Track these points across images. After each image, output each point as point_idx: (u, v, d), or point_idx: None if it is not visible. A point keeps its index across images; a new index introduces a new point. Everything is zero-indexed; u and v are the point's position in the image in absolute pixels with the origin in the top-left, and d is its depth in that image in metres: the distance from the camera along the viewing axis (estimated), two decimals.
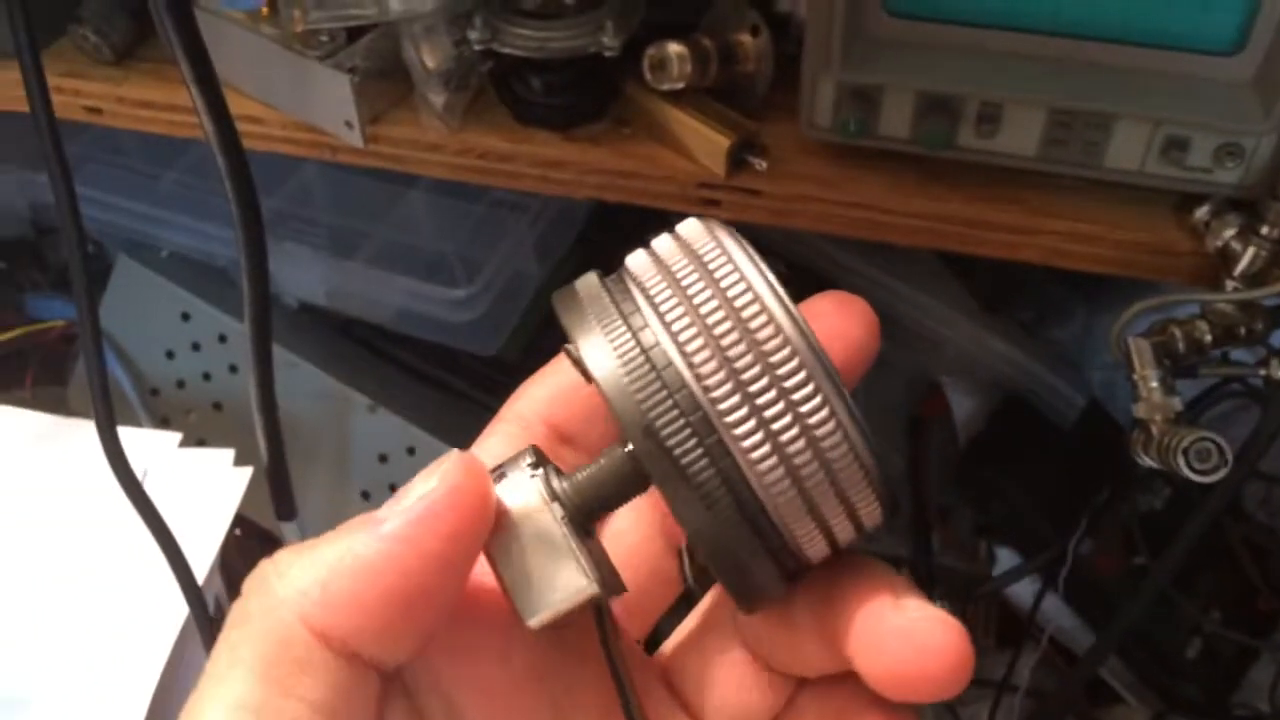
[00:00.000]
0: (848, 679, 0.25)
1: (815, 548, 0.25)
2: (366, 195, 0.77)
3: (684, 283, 0.24)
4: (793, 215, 0.55)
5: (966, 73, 0.51)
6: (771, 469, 0.23)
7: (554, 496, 0.25)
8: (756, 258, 0.24)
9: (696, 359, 0.23)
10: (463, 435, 0.29)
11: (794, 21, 0.57)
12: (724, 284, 0.24)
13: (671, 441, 0.23)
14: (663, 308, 0.24)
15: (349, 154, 0.59)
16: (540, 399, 0.29)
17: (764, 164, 0.55)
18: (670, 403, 0.23)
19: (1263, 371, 0.49)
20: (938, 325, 0.83)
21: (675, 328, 0.24)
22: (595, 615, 0.25)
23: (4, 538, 0.59)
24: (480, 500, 0.24)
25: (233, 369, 0.81)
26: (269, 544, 0.77)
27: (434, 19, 0.55)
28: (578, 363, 0.24)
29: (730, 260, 0.24)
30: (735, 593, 0.25)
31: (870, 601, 0.24)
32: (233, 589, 0.75)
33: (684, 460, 0.23)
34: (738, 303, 0.23)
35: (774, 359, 0.23)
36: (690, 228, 0.26)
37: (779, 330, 0.23)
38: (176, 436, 0.63)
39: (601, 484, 0.26)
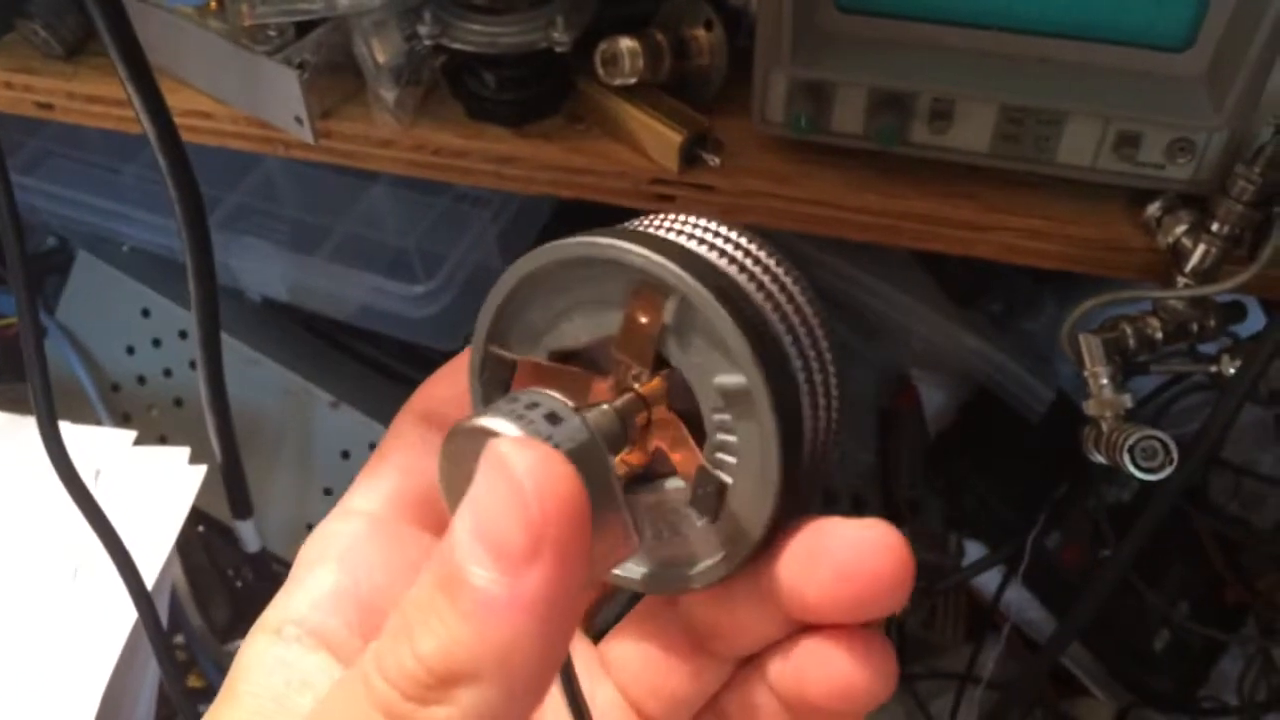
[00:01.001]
0: (776, 658, 0.25)
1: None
2: (329, 190, 0.77)
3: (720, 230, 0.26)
4: (746, 211, 0.55)
5: (918, 68, 0.51)
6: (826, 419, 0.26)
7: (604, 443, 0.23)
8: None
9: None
10: None
11: (747, 16, 0.56)
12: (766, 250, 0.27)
13: (736, 294, 0.25)
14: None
15: (300, 149, 0.58)
16: (447, 399, 0.28)
17: (717, 160, 0.55)
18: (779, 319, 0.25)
19: (1212, 368, 0.49)
20: (908, 319, 0.83)
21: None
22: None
23: None
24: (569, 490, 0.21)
25: (193, 365, 0.79)
26: (232, 538, 0.77)
27: (384, 14, 0.54)
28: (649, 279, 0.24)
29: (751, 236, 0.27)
30: (778, 510, 0.25)
31: (799, 532, 0.24)
32: (193, 583, 0.75)
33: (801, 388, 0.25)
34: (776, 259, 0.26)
35: (811, 317, 0.26)
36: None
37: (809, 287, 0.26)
38: (130, 435, 0.62)
39: (600, 425, 0.25)
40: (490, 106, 0.57)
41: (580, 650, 0.29)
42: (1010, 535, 0.80)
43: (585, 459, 0.22)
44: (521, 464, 0.20)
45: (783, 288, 0.26)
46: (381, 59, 0.55)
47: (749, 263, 0.26)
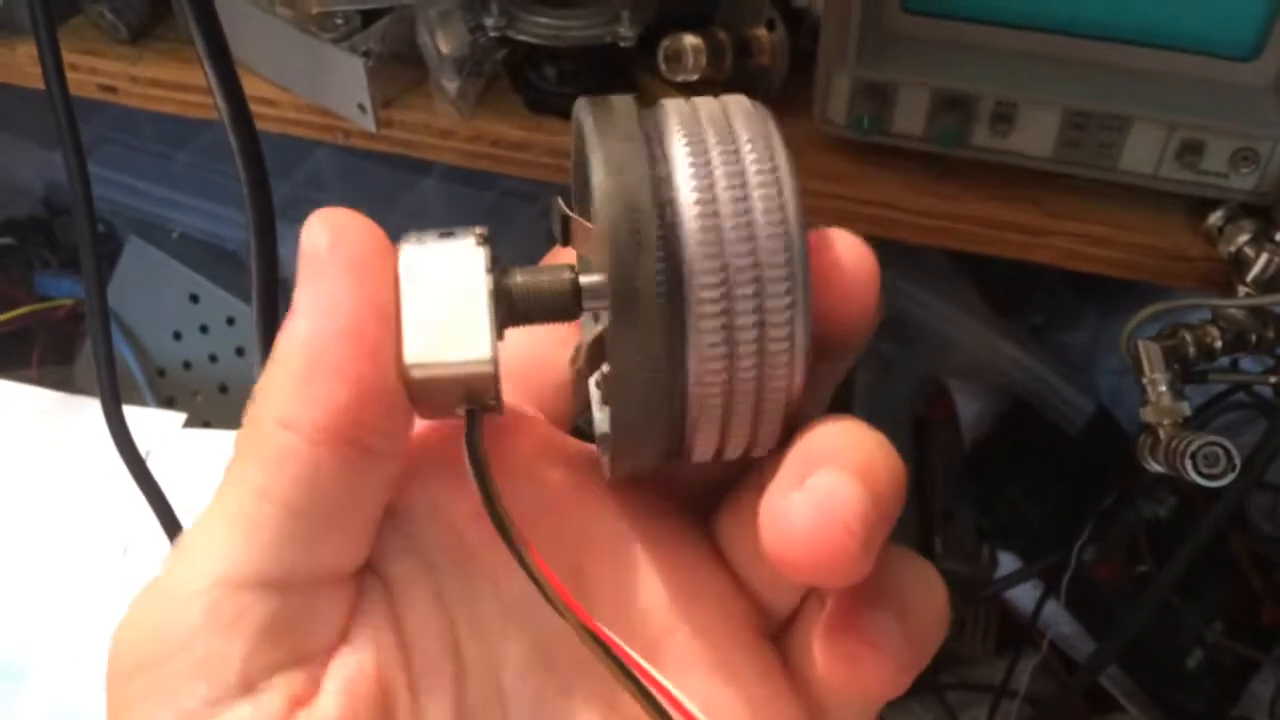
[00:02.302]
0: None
1: (703, 452, 0.25)
2: (378, 183, 0.77)
3: (710, 140, 0.24)
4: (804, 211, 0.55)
5: (982, 71, 0.51)
6: (714, 369, 0.23)
7: (490, 270, 0.24)
8: (788, 156, 0.24)
9: (701, 220, 0.22)
10: None
11: (810, 16, 0.57)
12: (750, 160, 0.23)
13: (641, 284, 0.22)
14: (686, 155, 0.23)
15: (361, 138, 0.59)
16: None
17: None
18: (659, 247, 0.22)
19: (1273, 379, 0.49)
20: (947, 327, 0.82)
21: (690, 176, 0.23)
22: (467, 415, 0.24)
23: (6, 512, 0.59)
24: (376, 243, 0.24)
25: (239, 352, 0.81)
26: None
27: (449, 4, 0.55)
28: (578, 165, 0.24)
29: (766, 143, 0.24)
30: (615, 451, 0.24)
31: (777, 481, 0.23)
32: None
33: (644, 308, 0.22)
34: (757, 180, 0.23)
35: (768, 255, 0.22)
36: (738, 100, 0.25)
37: (785, 229, 0.23)
38: (181, 416, 0.63)
39: (537, 292, 0.24)
40: (551, 99, 0.57)
41: (691, 533, 0.28)
42: (1044, 548, 0.80)
43: (446, 252, 0.24)
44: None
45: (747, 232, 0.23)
46: (445, 50, 0.56)
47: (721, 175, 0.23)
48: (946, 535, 0.87)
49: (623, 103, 0.25)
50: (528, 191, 0.76)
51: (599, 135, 0.23)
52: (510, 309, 0.24)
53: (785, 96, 0.57)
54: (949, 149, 0.52)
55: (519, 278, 0.24)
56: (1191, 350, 0.49)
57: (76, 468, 0.62)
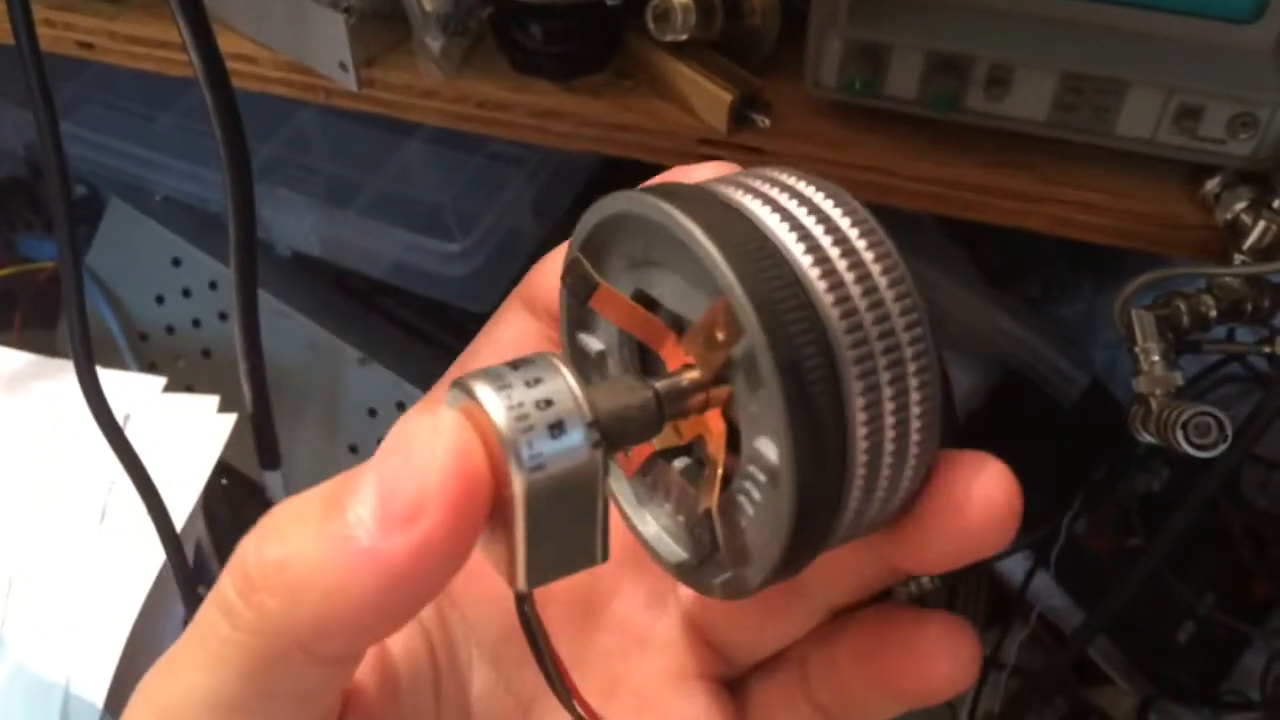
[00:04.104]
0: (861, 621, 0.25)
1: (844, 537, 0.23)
2: (363, 144, 0.76)
3: (822, 207, 0.22)
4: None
5: (977, 33, 0.50)
6: (872, 436, 0.21)
7: (594, 441, 0.21)
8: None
9: (838, 306, 0.21)
10: None
11: None
12: (862, 231, 0.21)
13: (811, 365, 0.20)
14: (795, 220, 0.21)
15: (343, 97, 0.58)
16: (553, 287, 0.27)
17: (767, 121, 0.54)
18: (807, 322, 0.20)
19: (1266, 349, 0.48)
20: (941, 298, 0.82)
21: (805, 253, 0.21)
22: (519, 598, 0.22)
23: None
24: (480, 486, 0.20)
25: (223, 316, 0.80)
26: (255, 493, 0.77)
27: None
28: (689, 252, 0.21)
29: (869, 217, 0.22)
30: (794, 550, 0.22)
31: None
32: (216, 536, 0.75)
33: (814, 395, 0.20)
34: (876, 251, 0.21)
35: (905, 324, 0.21)
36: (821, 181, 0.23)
37: (911, 293, 0.21)
38: (160, 381, 0.62)
39: (627, 421, 0.22)
40: (537, 60, 0.56)
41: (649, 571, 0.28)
42: (1037, 521, 0.79)
43: (569, 471, 0.20)
44: (445, 442, 0.20)
45: (888, 332, 0.21)
46: (429, 7, 0.54)
47: (864, 306, 0.21)
48: None
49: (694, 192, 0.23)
50: (515, 155, 0.75)
51: (709, 240, 0.21)
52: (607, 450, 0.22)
53: (776, 59, 0.56)
54: (943, 113, 0.51)
55: (604, 407, 0.22)
56: (1186, 320, 0.48)
57: (54, 432, 0.61)
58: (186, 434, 0.61)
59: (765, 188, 0.23)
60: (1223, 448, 0.43)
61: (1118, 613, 0.59)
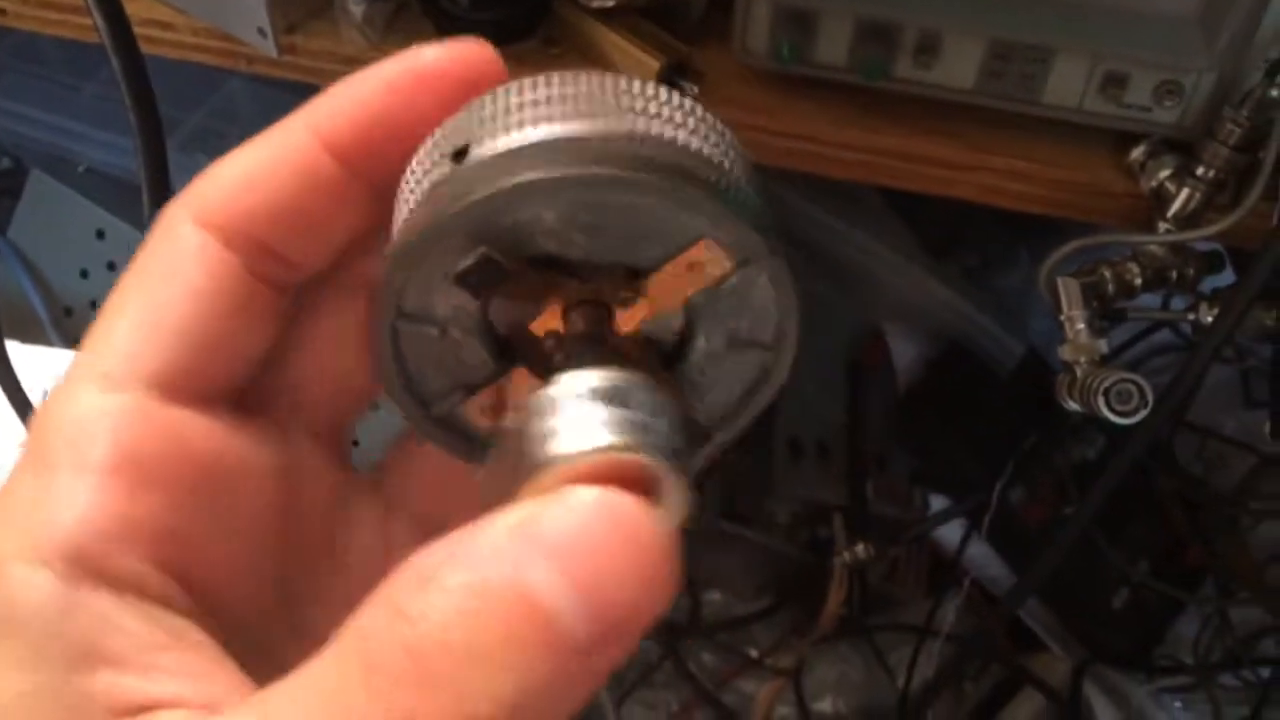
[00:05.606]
0: None
1: None
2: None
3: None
4: None
5: None
6: None
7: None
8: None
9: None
10: None
11: None
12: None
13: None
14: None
15: (263, 64, 0.56)
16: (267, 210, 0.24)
17: (696, 89, 0.53)
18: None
19: (1191, 316, 0.48)
20: (881, 269, 0.81)
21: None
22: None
23: None
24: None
25: None
26: None
27: None
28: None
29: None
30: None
31: None
32: None
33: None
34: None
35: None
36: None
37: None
38: None
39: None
40: (462, 26, 0.55)
41: None
42: (976, 490, 0.80)
43: None
44: (660, 541, 0.17)
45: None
46: None
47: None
48: (879, 480, 0.86)
49: None
50: None
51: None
52: None
53: (705, 26, 0.56)
54: (872, 80, 0.51)
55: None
56: (1111, 287, 0.48)
57: None
58: None
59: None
60: (1144, 414, 0.43)
61: (1050, 577, 0.60)
